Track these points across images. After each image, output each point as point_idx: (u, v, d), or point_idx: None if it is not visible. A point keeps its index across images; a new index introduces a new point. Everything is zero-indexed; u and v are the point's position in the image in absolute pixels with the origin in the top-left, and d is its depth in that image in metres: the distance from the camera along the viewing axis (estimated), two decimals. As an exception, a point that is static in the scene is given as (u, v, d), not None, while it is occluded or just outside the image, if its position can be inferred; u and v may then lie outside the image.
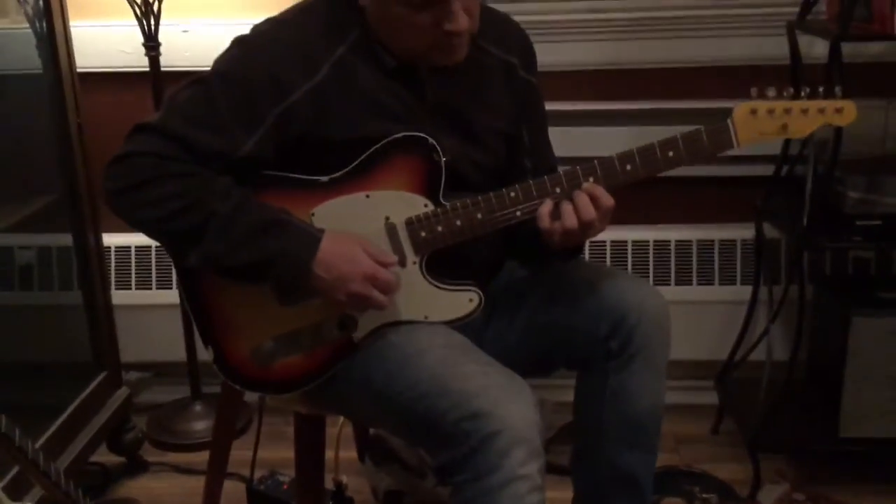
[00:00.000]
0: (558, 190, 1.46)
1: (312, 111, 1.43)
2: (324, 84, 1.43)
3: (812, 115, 1.47)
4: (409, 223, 1.47)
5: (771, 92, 1.47)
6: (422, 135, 1.45)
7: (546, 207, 1.44)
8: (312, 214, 1.46)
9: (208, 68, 1.46)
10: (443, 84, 1.52)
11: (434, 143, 1.45)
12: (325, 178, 1.46)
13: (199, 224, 1.38)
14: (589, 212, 1.42)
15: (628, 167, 1.46)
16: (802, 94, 1.48)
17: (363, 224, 1.47)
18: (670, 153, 1.46)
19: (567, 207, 1.43)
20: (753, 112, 1.46)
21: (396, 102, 1.48)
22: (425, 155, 1.46)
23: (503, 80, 1.60)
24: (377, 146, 1.45)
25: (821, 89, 1.49)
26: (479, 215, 1.47)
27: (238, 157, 1.41)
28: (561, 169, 1.48)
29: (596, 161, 1.46)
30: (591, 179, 1.45)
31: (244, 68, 1.42)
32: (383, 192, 1.47)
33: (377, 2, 1.42)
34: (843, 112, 1.47)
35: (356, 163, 1.46)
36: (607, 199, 1.43)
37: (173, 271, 2.45)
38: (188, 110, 1.40)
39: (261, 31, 1.47)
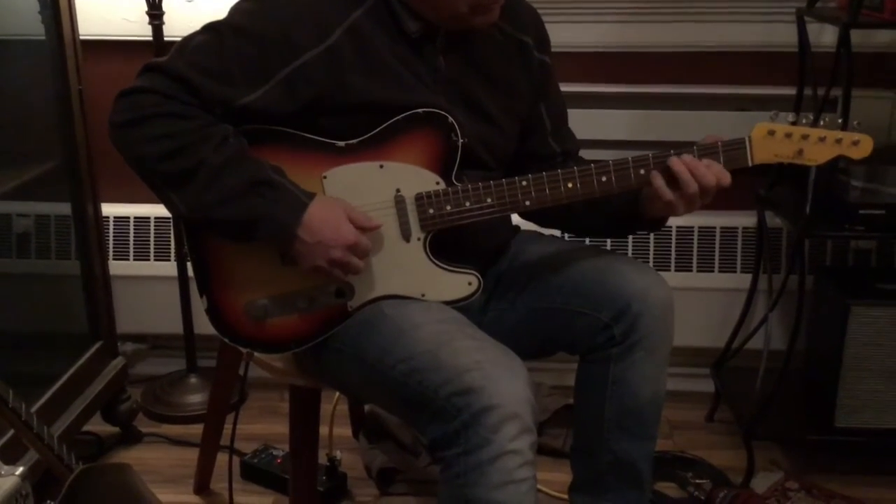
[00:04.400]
0: (570, 185, 1.46)
1: (325, 74, 1.42)
2: (337, 48, 1.42)
3: (829, 145, 1.48)
4: (419, 198, 1.47)
5: (790, 116, 1.48)
6: (443, 113, 1.45)
7: (660, 179, 1.45)
8: (324, 177, 1.46)
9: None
10: (457, 58, 1.51)
11: (454, 122, 1.45)
12: (341, 143, 1.46)
13: (189, 169, 1.38)
14: (709, 179, 1.44)
15: (641, 171, 1.47)
16: (821, 122, 1.48)
17: (373, 193, 1.46)
18: None
19: (686, 175, 1.43)
20: (771, 133, 1.47)
21: (410, 72, 1.48)
22: (444, 133, 1.46)
23: (517, 59, 1.59)
24: (398, 118, 1.45)
25: (840, 120, 1.49)
26: (489, 200, 1.47)
27: (240, 104, 1.40)
28: (576, 168, 1.48)
29: (611, 161, 1.47)
30: (604, 178, 1.46)
31: (258, 24, 1.41)
32: (397, 164, 1.47)
33: None
34: (859, 145, 1.49)
35: (374, 132, 1.46)
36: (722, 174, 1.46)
37: (172, 241, 2.46)
38: (196, 57, 1.40)
39: None
